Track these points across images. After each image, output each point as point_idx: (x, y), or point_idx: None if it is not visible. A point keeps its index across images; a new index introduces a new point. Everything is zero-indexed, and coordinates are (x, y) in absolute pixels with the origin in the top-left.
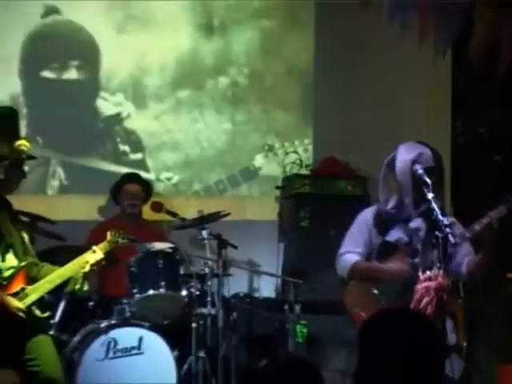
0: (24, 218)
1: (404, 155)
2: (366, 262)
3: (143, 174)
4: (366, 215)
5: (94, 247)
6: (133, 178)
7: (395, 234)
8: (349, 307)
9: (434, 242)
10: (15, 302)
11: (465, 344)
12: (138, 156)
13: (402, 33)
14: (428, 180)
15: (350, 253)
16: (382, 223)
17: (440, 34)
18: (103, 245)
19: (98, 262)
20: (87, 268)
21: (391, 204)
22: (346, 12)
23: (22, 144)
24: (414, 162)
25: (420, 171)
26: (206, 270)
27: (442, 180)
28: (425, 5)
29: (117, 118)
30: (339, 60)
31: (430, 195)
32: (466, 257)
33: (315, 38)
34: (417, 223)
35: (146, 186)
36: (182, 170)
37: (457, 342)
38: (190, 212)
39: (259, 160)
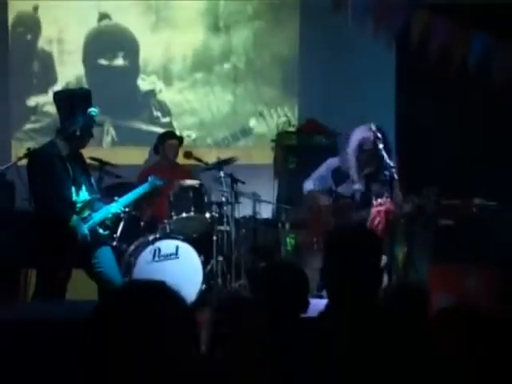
0: (94, 163)
1: (352, 137)
2: (315, 192)
3: None
4: (329, 165)
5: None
6: (172, 134)
7: (343, 188)
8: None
9: (383, 178)
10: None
11: (405, 249)
12: (167, 119)
13: (361, 28)
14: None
15: (310, 183)
16: (340, 176)
17: (389, 29)
18: (142, 187)
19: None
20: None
21: (346, 164)
22: (324, 10)
23: (92, 110)
24: (360, 144)
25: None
26: (223, 199)
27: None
28: (377, 9)
29: (152, 93)
30: (318, 45)
31: (381, 145)
32: None
33: (300, 30)
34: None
35: (180, 140)
36: (198, 129)
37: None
38: (210, 158)
39: (253, 122)
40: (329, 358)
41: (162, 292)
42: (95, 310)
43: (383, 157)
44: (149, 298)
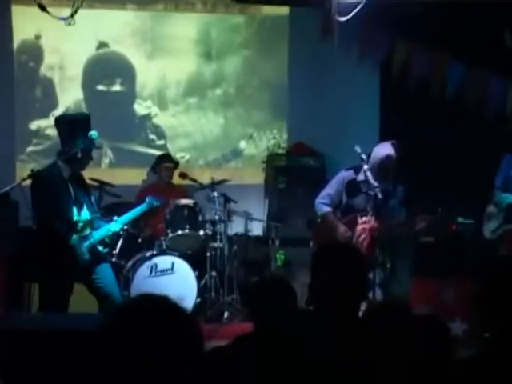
0: (94, 183)
1: (377, 152)
2: (332, 215)
3: None
4: (344, 177)
5: (116, 218)
6: (168, 157)
7: (357, 200)
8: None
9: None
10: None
11: (388, 265)
12: (162, 142)
13: (346, 55)
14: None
15: (325, 204)
16: (353, 189)
17: (372, 57)
18: (140, 207)
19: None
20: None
21: (361, 177)
22: (312, 39)
23: (93, 134)
24: (383, 160)
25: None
26: (216, 217)
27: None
28: (362, 38)
29: (147, 117)
30: (306, 73)
31: (366, 166)
32: None
33: (288, 57)
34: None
35: (176, 163)
36: (191, 151)
37: (382, 262)
38: (203, 179)
39: (243, 144)
40: (315, 367)
41: (167, 305)
42: (103, 325)
43: (368, 177)
44: (155, 312)
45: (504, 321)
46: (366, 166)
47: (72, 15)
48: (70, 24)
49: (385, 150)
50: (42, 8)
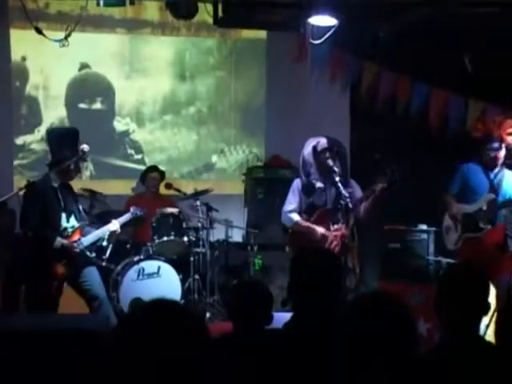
0: (86, 193)
1: (308, 146)
2: (303, 221)
3: (142, 168)
4: (297, 183)
5: (114, 221)
6: (154, 168)
7: (315, 197)
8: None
9: (339, 206)
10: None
11: (358, 270)
12: (139, 156)
13: (319, 76)
14: (336, 169)
15: (293, 212)
16: (308, 189)
17: (343, 78)
18: (125, 216)
19: (114, 232)
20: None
21: (312, 177)
22: (288, 61)
23: (84, 147)
24: (314, 147)
25: (330, 163)
26: (199, 225)
27: (344, 158)
28: (334, 61)
29: (126, 133)
30: (282, 92)
31: (337, 178)
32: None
33: (266, 78)
34: (331, 190)
35: (162, 173)
36: (166, 164)
37: (352, 267)
38: (186, 189)
39: (214, 158)
40: (292, 365)
41: (181, 310)
42: (116, 331)
43: (339, 188)
44: (171, 316)
45: (455, 320)
46: (337, 178)
47: (66, 38)
48: (63, 45)
49: (312, 140)
50: (39, 31)
